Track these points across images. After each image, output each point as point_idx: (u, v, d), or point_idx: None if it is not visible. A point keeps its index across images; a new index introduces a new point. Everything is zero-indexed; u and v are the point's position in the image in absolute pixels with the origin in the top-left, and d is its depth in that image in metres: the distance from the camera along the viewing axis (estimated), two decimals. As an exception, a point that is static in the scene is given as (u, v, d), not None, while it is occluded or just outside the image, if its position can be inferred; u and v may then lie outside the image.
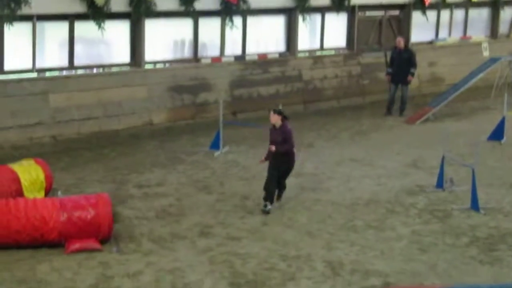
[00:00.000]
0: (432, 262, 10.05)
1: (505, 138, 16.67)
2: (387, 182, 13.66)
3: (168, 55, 18.22)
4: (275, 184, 11.88)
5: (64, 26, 16.37)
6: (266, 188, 11.79)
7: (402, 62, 19.13)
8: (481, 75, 20.12)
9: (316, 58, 20.66)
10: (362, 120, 19.04)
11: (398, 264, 9.93)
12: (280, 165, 11.83)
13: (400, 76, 19.18)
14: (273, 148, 11.70)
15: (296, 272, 9.51)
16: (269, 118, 11.94)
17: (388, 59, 19.78)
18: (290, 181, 13.51)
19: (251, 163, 14.51)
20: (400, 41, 19.35)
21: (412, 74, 19.40)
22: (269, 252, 10.16)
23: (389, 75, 19.45)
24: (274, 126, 11.86)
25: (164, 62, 18.14)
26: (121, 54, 17.35)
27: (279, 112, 11.85)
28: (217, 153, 15.33)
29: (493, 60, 20.84)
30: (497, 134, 16.73)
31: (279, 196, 12.17)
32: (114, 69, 17.24)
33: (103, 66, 17.13)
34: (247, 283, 9.13)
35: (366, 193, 12.94)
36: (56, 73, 16.39)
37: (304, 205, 12.24)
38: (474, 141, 15.96)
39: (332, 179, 13.79)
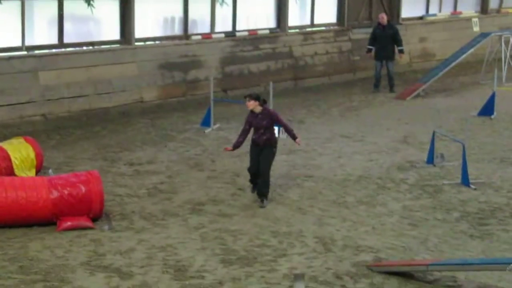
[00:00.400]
0: (423, 237, 10.10)
1: (495, 113, 16.71)
2: (378, 158, 13.69)
3: (158, 32, 18.14)
4: (256, 174, 11.16)
5: (53, 3, 16.25)
6: (251, 180, 11.34)
7: (386, 39, 19.09)
8: (471, 50, 20.14)
9: (307, 34, 20.61)
10: (353, 96, 19.05)
11: (389, 239, 9.98)
12: (259, 153, 11.10)
13: (384, 52, 19.14)
14: (229, 148, 11.28)
15: (287, 248, 9.54)
16: (245, 104, 11.22)
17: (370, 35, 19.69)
18: (281, 158, 13.54)
19: (242, 140, 14.51)
20: (383, 17, 19.28)
21: (403, 51, 19.39)
22: (261, 229, 10.19)
23: (370, 52, 19.42)
24: (252, 112, 11.14)
25: (154, 39, 18.06)
26: (111, 31, 17.27)
27: (256, 98, 11.12)
28: (208, 130, 15.32)
29: (483, 35, 20.84)
30: (488, 109, 16.77)
31: (261, 200, 11.15)
32: (104, 47, 17.16)
33: (93, 44, 17.04)
34: (239, 259, 9.16)
35: (357, 169, 12.97)
36: (45, 51, 16.31)
37: (295, 182, 12.26)
38: (465, 117, 16.04)
39: (323, 155, 13.81)
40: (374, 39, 19.33)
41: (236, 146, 11.27)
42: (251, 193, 11.40)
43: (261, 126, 11.05)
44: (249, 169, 11.27)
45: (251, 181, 11.38)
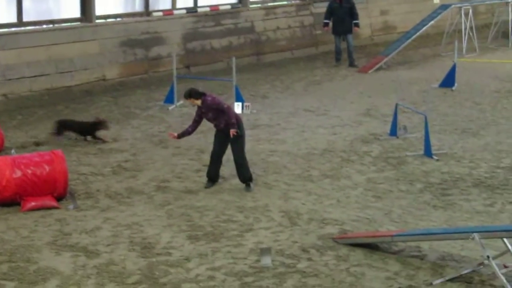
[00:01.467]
0: (387, 208, 10.22)
1: (456, 84, 16.89)
2: (341, 131, 13.77)
3: (119, 9, 17.97)
4: (216, 164, 10.85)
5: (11, -19, 16.03)
6: (208, 172, 10.93)
7: (344, 13, 19.12)
8: (432, 22, 20.29)
9: (269, 9, 20.58)
10: (315, 70, 19.10)
11: (354, 211, 10.08)
12: (225, 139, 10.70)
13: (342, 26, 19.17)
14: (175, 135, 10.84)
15: (253, 223, 9.59)
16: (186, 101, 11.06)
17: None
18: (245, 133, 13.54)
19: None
20: None
21: (358, 25, 19.44)
22: (226, 204, 10.22)
23: (327, 26, 19.45)
24: (199, 106, 10.71)
25: (115, 16, 17.90)
26: (71, 9, 17.07)
27: (188, 95, 10.62)
28: (171, 107, 15.28)
29: (443, 7, 20.99)
30: (449, 81, 16.93)
31: (247, 184, 10.80)
32: (64, 25, 16.96)
33: (53, 22, 16.84)
34: (205, 235, 9.19)
35: (321, 143, 13.04)
36: (5, 30, 16.07)
37: (259, 157, 12.29)
38: (426, 89, 16.19)
39: (287, 129, 13.86)
40: (330, 13, 19.35)
41: (182, 135, 10.89)
42: (205, 187, 10.82)
43: (209, 118, 10.70)
44: (212, 155, 10.86)
45: (209, 173, 10.90)
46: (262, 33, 20.21)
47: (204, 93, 10.70)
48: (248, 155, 12.23)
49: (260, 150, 12.63)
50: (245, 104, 14.96)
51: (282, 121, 14.40)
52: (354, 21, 19.25)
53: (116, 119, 14.52)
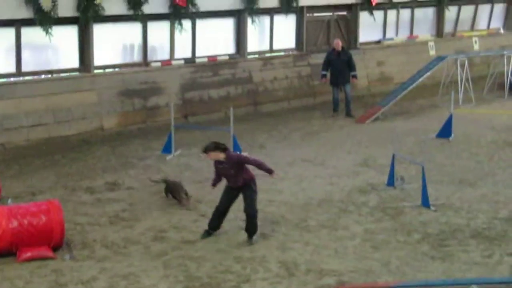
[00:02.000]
0: (385, 259, 10.16)
1: (453, 135, 16.94)
2: (339, 181, 13.77)
3: (117, 59, 18.11)
4: (222, 217, 10.74)
5: (10, 32, 16.16)
6: (210, 223, 10.77)
7: (341, 64, 19.28)
8: (428, 73, 20.43)
9: (266, 60, 20.75)
10: (313, 120, 19.17)
11: (352, 262, 10.02)
12: (236, 195, 10.59)
13: (340, 78, 19.32)
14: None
15: (251, 274, 9.53)
16: (206, 156, 10.44)
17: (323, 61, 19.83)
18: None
19: (204, 166, 14.51)
20: (339, 43, 19.48)
21: (356, 77, 19.59)
22: (224, 255, 10.17)
23: (325, 78, 19.59)
24: (217, 161, 10.46)
25: (113, 66, 18.03)
26: (69, 59, 17.20)
27: (214, 148, 10.29)
28: (169, 157, 15.29)
29: (439, 59, 21.17)
30: (445, 131, 17.00)
31: (250, 237, 10.63)
32: (63, 75, 17.07)
33: (51, 72, 16.96)
34: (202, 286, 9.13)
35: (319, 193, 13.03)
36: (3, 80, 16.17)
37: (258, 207, 12.24)
38: (423, 139, 16.22)
39: (285, 179, 13.85)
40: (328, 65, 19.50)
41: (214, 184, 10.80)
42: (201, 238, 10.68)
43: (229, 175, 10.42)
44: (218, 207, 10.67)
45: (211, 224, 10.77)
46: (260, 83, 20.34)
47: (227, 148, 10.46)
48: (246, 205, 12.22)
49: (258, 200, 12.58)
50: (242, 154, 14.98)
51: (280, 171, 14.36)
52: (352, 73, 19.40)
53: (114, 168, 14.52)
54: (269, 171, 10.60)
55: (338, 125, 18.62)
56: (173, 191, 12.33)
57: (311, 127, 18.40)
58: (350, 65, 19.33)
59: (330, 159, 15.33)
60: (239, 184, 10.46)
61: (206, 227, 11.01)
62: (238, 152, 10.70)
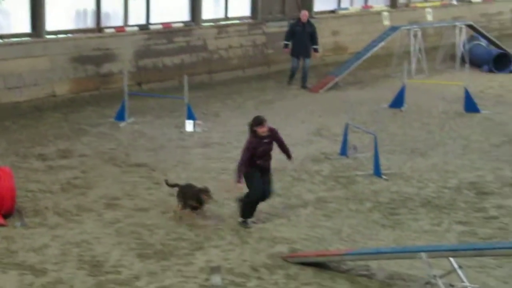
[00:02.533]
0: (337, 227, 10.28)
1: (405, 105, 17.12)
2: (292, 150, 13.74)
3: (70, 25, 17.83)
4: (257, 203, 10.18)
5: (-41, -5, 15.82)
6: (249, 214, 10.11)
7: (305, 36, 19.26)
8: (382, 43, 20.55)
9: (221, 28, 20.63)
10: (267, 89, 19.18)
11: (304, 230, 10.12)
12: (267, 175, 10.20)
13: (302, 49, 19.29)
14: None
15: (204, 241, 9.57)
16: (256, 129, 9.92)
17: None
18: (196, 151, 13.57)
19: (157, 133, 14.46)
20: (305, 14, 19.44)
21: (317, 50, 19.61)
22: (177, 222, 10.18)
23: (287, 48, 19.56)
24: (256, 137, 9.91)
25: (66, 32, 17.76)
26: (21, 24, 16.89)
27: (262, 120, 9.85)
28: (122, 124, 15.19)
29: (393, 29, 21.29)
30: (398, 101, 17.16)
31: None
32: (14, 40, 16.77)
33: (2, 37, 16.64)
34: (155, 253, 9.14)
35: (272, 162, 13.05)
36: (-48, 44, 15.86)
37: (210, 175, 12.28)
38: (376, 109, 16.38)
39: (238, 148, 13.83)
40: (291, 35, 19.46)
41: (241, 176, 9.91)
42: (247, 228, 10.00)
43: (268, 150, 9.97)
44: (257, 195, 10.02)
45: (251, 214, 10.11)
46: (214, 52, 20.24)
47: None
48: (199, 173, 12.26)
49: (211, 169, 12.62)
50: (196, 122, 14.96)
51: (233, 139, 14.41)
52: (314, 46, 19.39)
53: (66, 135, 14.38)
54: (290, 156, 10.43)
55: (292, 94, 18.67)
56: (186, 197, 10.48)
57: (265, 96, 18.42)
58: (313, 38, 19.32)
59: (284, 128, 15.33)
60: (270, 162, 10.07)
61: (159, 194, 11.01)
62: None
